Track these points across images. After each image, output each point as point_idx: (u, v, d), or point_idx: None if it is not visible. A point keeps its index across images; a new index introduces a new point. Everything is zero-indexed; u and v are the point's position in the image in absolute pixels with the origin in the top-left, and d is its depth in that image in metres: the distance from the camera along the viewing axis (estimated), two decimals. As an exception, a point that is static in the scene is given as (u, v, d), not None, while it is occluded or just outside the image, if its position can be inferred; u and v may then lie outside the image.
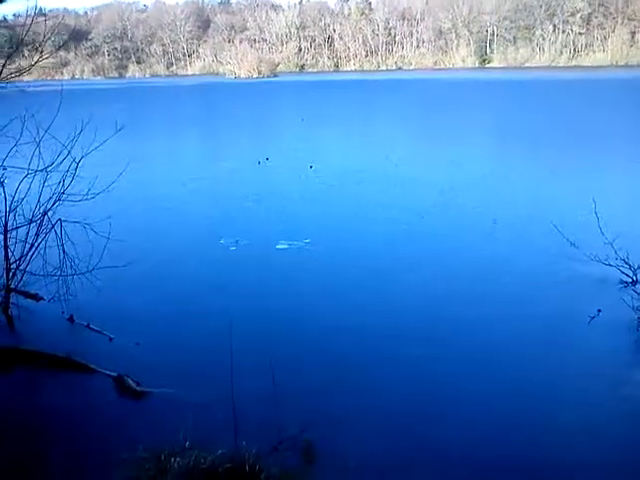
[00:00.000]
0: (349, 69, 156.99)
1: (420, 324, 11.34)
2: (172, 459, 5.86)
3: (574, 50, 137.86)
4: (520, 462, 7.52)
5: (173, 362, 9.98)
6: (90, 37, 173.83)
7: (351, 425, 8.15)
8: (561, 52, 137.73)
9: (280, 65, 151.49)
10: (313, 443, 6.58)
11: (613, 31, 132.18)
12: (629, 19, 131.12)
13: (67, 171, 12.10)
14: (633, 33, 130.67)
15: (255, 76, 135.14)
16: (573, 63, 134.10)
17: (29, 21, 12.07)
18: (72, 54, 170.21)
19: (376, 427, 8.22)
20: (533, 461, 7.51)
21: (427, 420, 8.39)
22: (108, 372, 9.61)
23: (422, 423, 8.32)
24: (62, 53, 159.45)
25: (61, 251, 11.93)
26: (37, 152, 12.02)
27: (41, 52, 13.25)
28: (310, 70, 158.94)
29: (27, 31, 12.41)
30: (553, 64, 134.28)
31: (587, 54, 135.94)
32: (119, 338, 10.84)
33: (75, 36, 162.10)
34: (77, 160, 12.21)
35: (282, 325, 11.25)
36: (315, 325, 11.33)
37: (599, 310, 11.31)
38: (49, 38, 13.25)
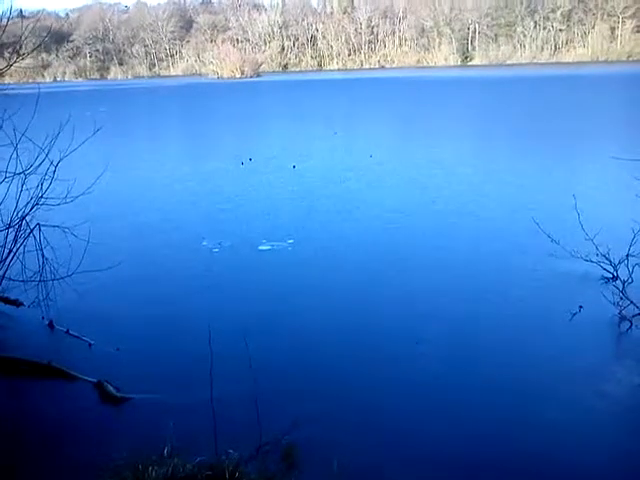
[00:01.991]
0: (332, 68, 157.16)
1: (403, 323, 11.31)
2: (150, 468, 5.76)
3: (555, 46, 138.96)
4: (502, 459, 7.50)
5: (154, 367, 9.87)
6: (71, 39, 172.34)
7: (334, 428, 8.09)
8: (542, 48, 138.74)
9: (263, 65, 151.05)
10: (294, 447, 6.52)
11: (593, 27, 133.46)
12: (609, 15, 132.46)
13: (45, 174, 11.91)
14: (613, 29, 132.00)
15: (238, 76, 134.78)
16: (554, 59, 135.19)
17: (8, 23, 11.94)
18: (53, 56, 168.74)
19: (359, 429, 8.17)
20: (515, 458, 7.50)
21: (411, 421, 8.34)
22: (88, 378, 9.49)
23: (406, 424, 8.27)
24: (43, 55, 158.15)
25: (40, 256, 11.74)
26: (14, 155, 11.83)
27: (19, 53, 13.13)
28: (293, 69, 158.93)
29: (4, 31, 12.31)
30: (534, 61, 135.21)
31: (568, 50, 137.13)
32: (99, 344, 10.68)
33: (56, 38, 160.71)
34: (55, 163, 12.02)
35: (264, 327, 11.15)
36: (297, 327, 11.25)
37: (580, 306, 11.35)
38: (26, 38, 13.12)
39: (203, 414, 7.13)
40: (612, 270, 12.22)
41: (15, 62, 12.79)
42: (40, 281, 11.53)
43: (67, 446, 8.07)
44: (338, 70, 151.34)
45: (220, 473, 5.74)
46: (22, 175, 11.81)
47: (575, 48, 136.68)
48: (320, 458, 7.08)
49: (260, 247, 15.94)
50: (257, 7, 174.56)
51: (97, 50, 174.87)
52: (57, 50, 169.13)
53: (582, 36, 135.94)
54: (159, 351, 10.46)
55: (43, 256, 11.75)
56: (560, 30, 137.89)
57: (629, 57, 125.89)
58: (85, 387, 9.37)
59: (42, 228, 11.91)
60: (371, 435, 8.03)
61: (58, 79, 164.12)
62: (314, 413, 8.30)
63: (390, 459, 7.54)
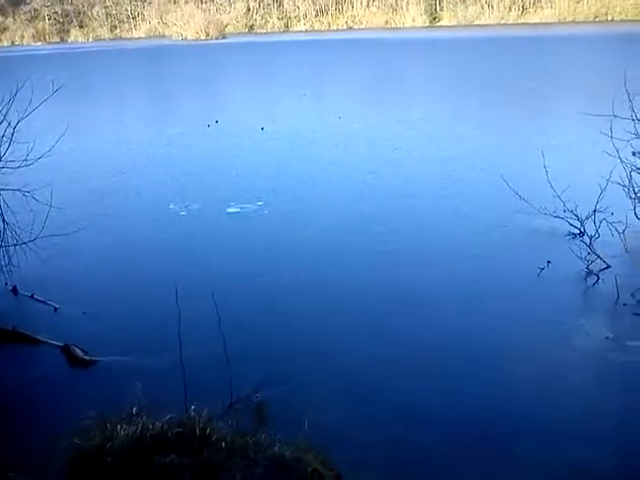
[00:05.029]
0: (299, 29, 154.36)
1: (373, 283, 11.31)
2: (119, 426, 5.68)
3: (522, 7, 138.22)
4: (472, 415, 7.53)
5: (121, 330, 9.72)
6: (28, 1, 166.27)
7: (305, 386, 8.07)
8: (510, 9, 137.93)
9: (228, 26, 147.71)
10: (266, 404, 6.49)
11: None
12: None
13: (2, 136, 11.51)
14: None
15: (203, 38, 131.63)
16: (521, 20, 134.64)
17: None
18: (10, 19, 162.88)
19: (331, 385, 8.17)
20: (484, 414, 7.55)
21: (382, 379, 8.36)
22: (54, 342, 9.32)
23: (377, 382, 8.29)
24: (0, 19, 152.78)
25: (1, 221, 11.42)
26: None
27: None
28: (259, 31, 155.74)
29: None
30: (502, 21, 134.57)
31: (535, 11, 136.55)
32: (65, 308, 10.50)
33: (12, 0, 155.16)
34: (13, 125, 11.59)
35: (233, 289, 11.04)
36: (266, 288, 11.15)
37: (549, 262, 11.45)
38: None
39: (173, 375, 7.05)
40: (579, 226, 12.32)
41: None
42: (1, 246, 11.22)
43: (35, 410, 7.95)
44: (305, 31, 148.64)
45: (191, 430, 5.69)
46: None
47: (542, 8, 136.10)
48: (291, 415, 7.07)
49: (228, 210, 15.74)
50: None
51: (56, 12, 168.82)
52: (14, 13, 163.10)
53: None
54: (127, 314, 10.31)
55: (4, 221, 11.39)
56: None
57: (595, 18, 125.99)
58: (52, 351, 9.21)
59: (2, 192, 11.55)
60: (342, 393, 8.03)
61: (17, 43, 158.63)
62: (285, 372, 8.27)
63: (361, 416, 7.56)
